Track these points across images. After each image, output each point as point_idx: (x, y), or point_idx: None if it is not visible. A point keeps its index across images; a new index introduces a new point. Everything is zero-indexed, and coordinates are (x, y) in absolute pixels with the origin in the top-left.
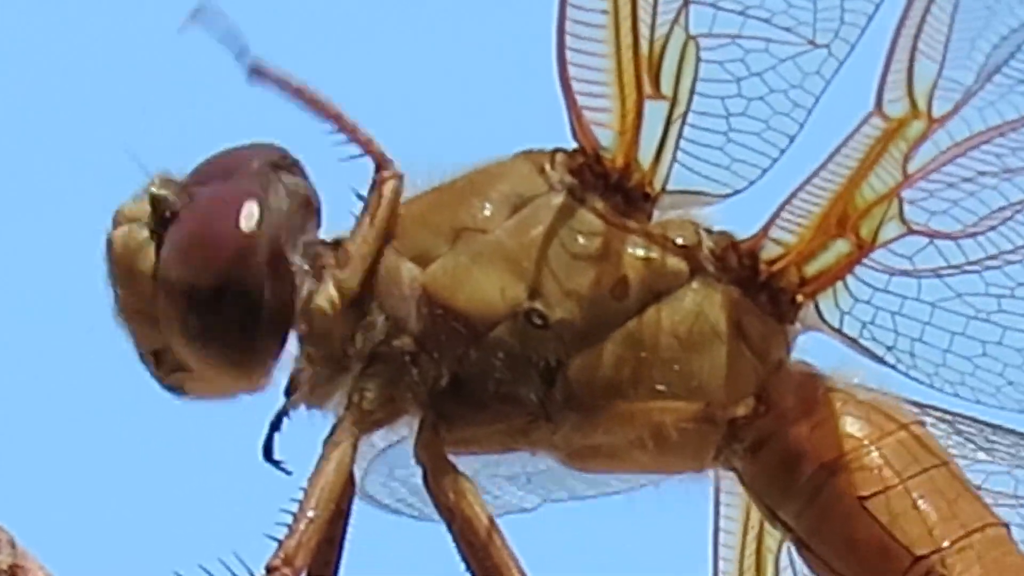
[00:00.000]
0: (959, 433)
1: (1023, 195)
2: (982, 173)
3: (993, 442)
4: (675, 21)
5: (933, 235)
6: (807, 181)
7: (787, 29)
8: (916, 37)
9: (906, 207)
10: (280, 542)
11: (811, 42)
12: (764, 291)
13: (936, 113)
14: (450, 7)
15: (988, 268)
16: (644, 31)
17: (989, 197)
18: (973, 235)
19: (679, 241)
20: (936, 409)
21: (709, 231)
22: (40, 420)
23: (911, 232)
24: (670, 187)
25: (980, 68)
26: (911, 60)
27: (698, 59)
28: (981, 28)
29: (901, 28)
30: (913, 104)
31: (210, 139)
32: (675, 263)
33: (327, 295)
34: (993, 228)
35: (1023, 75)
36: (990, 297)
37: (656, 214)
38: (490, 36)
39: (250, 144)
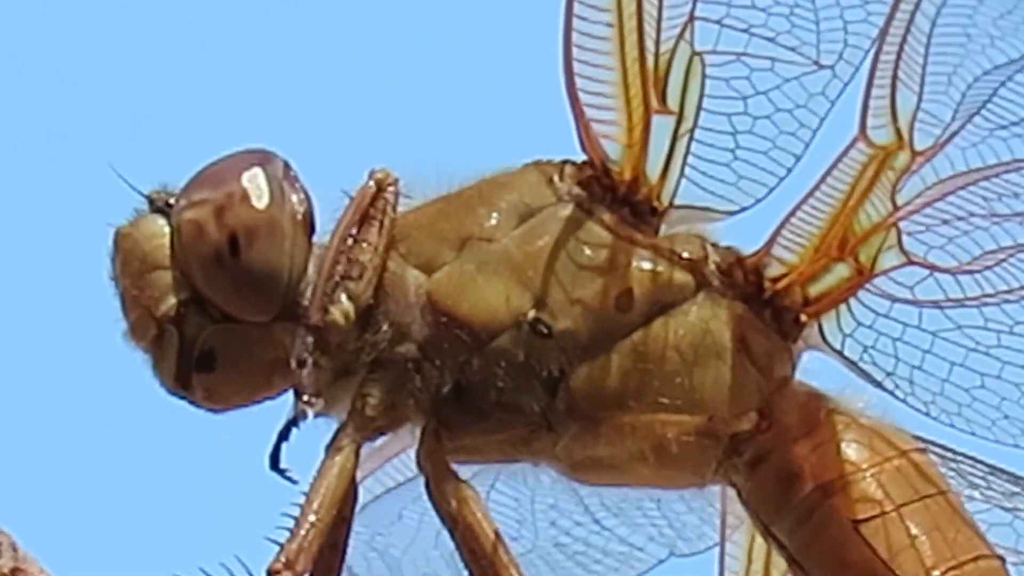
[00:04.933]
0: (960, 474)
1: (1012, 240)
2: (972, 214)
3: (990, 482)
4: (680, 36)
5: (932, 268)
6: (803, 201)
7: (792, 49)
8: (896, 64)
9: (904, 238)
10: (282, 546)
11: (816, 63)
12: (768, 308)
13: (918, 146)
14: (461, 15)
15: (986, 304)
16: (650, 45)
17: (981, 238)
18: (970, 272)
19: (685, 255)
20: (936, 445)
21: (716, 246)
22: (42, 423)
23: (911, 263)
24: (677, 202)
25: (957, 104)
26: (893, 88)
27: (704, 75)
28: (957, 64)
29: (879, 54)
30: (898, 133)
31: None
32: (681, 277)
33: (342, 309)
34: (989, 268)
35: (1001, 119)
36: (989, 332)
37: (663, 228)
38: (500, 44)
39: (247, 149)
